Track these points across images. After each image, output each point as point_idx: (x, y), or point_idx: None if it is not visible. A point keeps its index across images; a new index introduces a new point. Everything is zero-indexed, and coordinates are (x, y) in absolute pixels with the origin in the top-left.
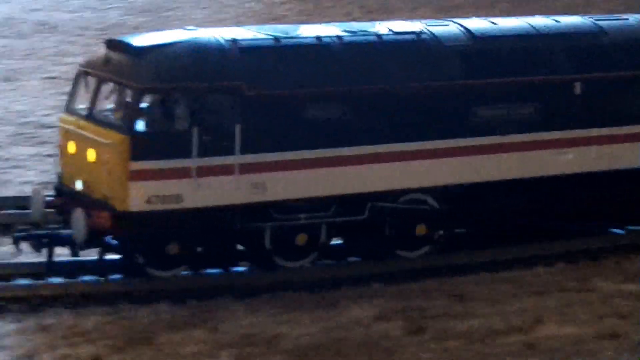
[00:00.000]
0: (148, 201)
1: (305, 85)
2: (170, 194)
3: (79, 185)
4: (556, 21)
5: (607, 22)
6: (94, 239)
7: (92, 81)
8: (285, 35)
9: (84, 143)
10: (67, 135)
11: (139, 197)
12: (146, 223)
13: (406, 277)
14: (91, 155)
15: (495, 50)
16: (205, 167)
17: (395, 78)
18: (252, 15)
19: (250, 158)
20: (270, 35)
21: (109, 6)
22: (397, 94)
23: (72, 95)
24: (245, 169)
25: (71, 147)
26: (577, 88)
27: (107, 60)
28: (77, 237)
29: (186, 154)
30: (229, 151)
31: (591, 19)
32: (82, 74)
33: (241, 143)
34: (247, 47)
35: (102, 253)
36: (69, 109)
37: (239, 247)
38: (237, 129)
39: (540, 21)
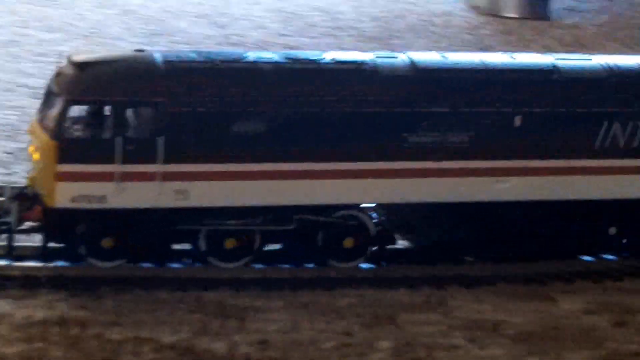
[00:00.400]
0: (73, 200)
1: (229, 104)
2: (95, 195)
3: (31, 180)
4: (512, 57)
5: (565, 61)
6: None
7: (47, 90)
8: (221, 58)
9: (33, 144)
10: (29, 136)
11: (64, 195)
12: (71, 219)
13: (605, 276)
14: (36, 155)
15: (433, 81)
16: (129, 172)
17: (326, 102)
18: (463, 45)
19: (173, 167)
20: (206, 57)
21: (345, 34)
22: (323, 116)
23: (41, 102)
24: (169, 176)
25: (30, 148)
26: (516, 121)
27: (59, 74)
28: (13, 225)
29: (110, 160)
30: (152, 160)
31: (551, 57)
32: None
33: (164, 153)
34: (177, 67)
35: (45, 241)
36: (37, 114)
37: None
38: (160, 140)
39: (493, 57)
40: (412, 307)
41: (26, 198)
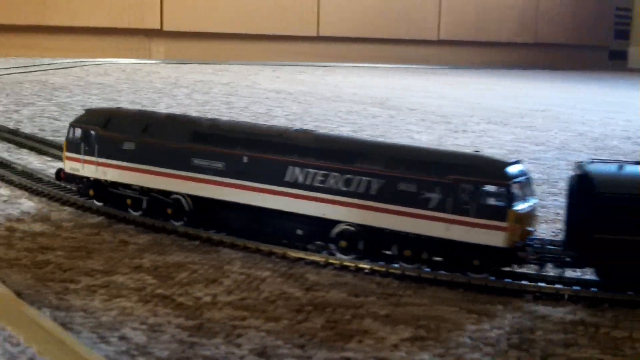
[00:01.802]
0: (69, 168)
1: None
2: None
3: None
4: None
5: None
6: None
7: None
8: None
9: None
10: None
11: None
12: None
13: None
14: None
15: None
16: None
17: None
18: None
19: (102, 160)
20: None
21: None
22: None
23: None
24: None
25: None
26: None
27: None
28: None
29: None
30: (94, 155)
31: None
32: None
33: (98, 152)
34: None
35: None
36: None
37: None
38: (97, 147)
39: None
40: None
41: None
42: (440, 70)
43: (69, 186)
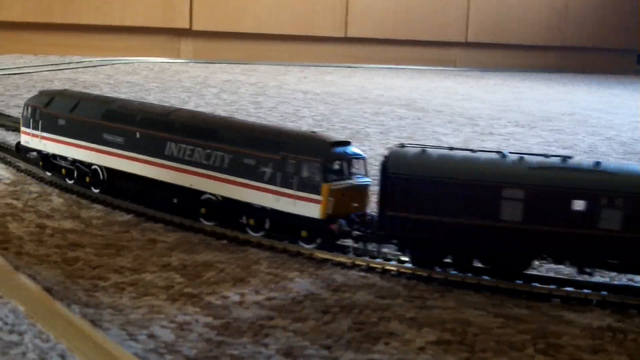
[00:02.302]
0: (24, 141)
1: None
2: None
3: None
4: None
5: None
6: None
7: None
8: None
9: None
10: None
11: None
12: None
13: None
14: None
15: None
16: (34, 134)
17: None
18: None
19: (43, 134)
20: None
21: None
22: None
23: None
24: (42, 137)
25: None
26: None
27: None
28: None
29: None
30: (38, 129)
31: None
32: None
33: (41, 127)
34: None
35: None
36: None
37: None
38: (40, 122)
39: None
40: None
41: None
42: (467, 73)
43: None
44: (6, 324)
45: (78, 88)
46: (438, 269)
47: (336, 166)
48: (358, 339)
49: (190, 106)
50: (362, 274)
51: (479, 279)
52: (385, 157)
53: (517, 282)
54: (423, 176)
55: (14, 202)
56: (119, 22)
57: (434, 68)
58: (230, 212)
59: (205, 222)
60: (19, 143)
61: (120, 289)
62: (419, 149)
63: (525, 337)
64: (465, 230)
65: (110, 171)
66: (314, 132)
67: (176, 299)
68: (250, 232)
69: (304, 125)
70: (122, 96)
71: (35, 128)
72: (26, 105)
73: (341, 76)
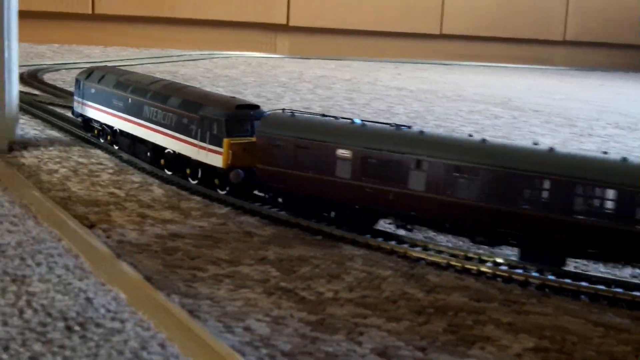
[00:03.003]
0: None
1: None
2: (76, 106)
3: None
4: None
5: None
6: None
7: None
8: None
9: None
10: None
11: None
12: None
13: None
14: None
15: None
16: (78, 101)
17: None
18: None
19: (83, 101)
20: None
21: None
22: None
23: None
24: (82, 103)
25: None
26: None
27: None
28: None
29: None
30: (81, 97)
31: None
32: None
33: (82, 95)
34: None
35: None
36: None
37: None
38: (82, 92)
39: None
40: None
41: None
42: (565, 72)
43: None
44: (109, 311)
45: (178, 81)
46: (535, 274)
47: (240, 124)
48: (453, 342)
49: (286, 101)
50: (457, 275)
51: (578, 285)
52: (262, 117)
53: (618, 290)
54: (283, 135)
55: (117, 191)
56: (219, 17)
57: (530, 66)
58: (178, 163)
59: (167, 172)
60: (72, 108)
61: (217, 281)
62: (289, 113)
63: (627, 349)
64: (315, 184)
65: (121, 131)
66: (233, 97)
67: (272, 292)
68: (218, 191)
69: (397, 122)
70: (220, 90)
71: (79, 96)
72: (76, 78)
73: (436, 73)
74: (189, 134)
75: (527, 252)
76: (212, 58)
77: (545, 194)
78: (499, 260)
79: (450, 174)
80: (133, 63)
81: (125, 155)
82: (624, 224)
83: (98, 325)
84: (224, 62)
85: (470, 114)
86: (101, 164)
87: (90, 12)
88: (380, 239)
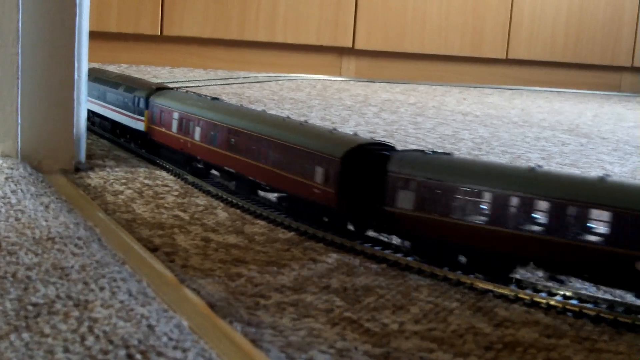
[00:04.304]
0: None
1: None
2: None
3: None
4: None
5: None
6: None
7: None
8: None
9: None
10: None
11: None
12: None
13: None
14: None
15: None
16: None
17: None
18: None
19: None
20: None
21: None
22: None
23: None
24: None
25: None
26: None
27: None
28: None
29: None
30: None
31: None
32: None
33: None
34: None
35: None
36: None
37: None
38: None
39: None
40: None
41: None
42: (634, 98)
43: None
44: (171, 339)
45: (244, 103)
46: (603, 307)
47: (156, 100)
48: None
49: (351, 124)
50: (526, 308)
51: None
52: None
53: None
54: (166, 105)
55: (182, 214)
56: (286, 40)
57: (599, 93)
58: (129, 134)
59: (133, 145)
60: None
61: (281, 309)
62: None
63: None
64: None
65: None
66: (160, 83)
67: (336, 323)
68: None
69: (463, 147)
70: (286, 112)
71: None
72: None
73: (502, 98)
74: (130, 111)
75: None
76: (278, 80)
77: None
78: (568, 293)
79: None
80: (199, 84)
81: (190, 178)
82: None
83: (160, 354)
84: (289, 85)
85: (537, 140)
86: (167, 185)
87: (158, 33)
88: (446, 269)
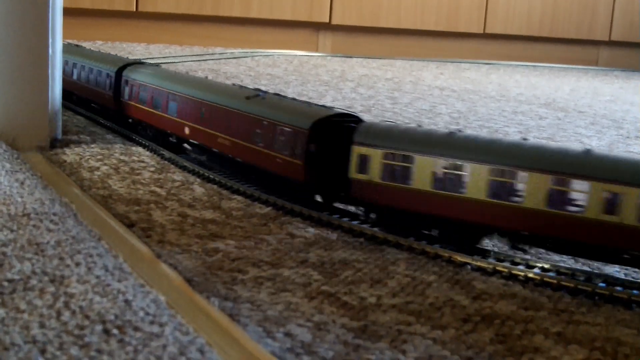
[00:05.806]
0: None
1: None
2: None
3: None
4: None
5: None
6: None
7: None
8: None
9: None
10: None
11: None
12: None
13: None
14: None
15: None
16: None
17: None
18: None
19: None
20: None
21: None
22: None
23: None
24: None
25: None
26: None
27: None
28: None
29: None
30: None
31: None
32: None
33: None
34: None
35: None
36: None
37: None
38: None
39: None
40: None
41: None
42: (612, 73)
43: None
44: (147, 314)
45: (220, 79)
46: (581, 279)
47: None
48: (500, 352)
49: (328, 99)
50: (504, 281)
51: (630, 294)
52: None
53: None
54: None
55: (158, 189)
56: (262, 15)
57: (575, 67)
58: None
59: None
60: None
61: (258, 284)
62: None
63: None
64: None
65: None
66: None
67: (313, 297)
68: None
69: (440, 122)
70: (263, 88)
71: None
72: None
73: (479, 73)
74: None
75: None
76: (254, 56)
77: None
78: (547, 265)
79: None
80: (175, 60)
81: (167, 153)
82: None
83: (136, 329)
84: (266, 61)
85: (514, 114)
86: (143, 161)
87: (134, 9)
88: (424, 242)
